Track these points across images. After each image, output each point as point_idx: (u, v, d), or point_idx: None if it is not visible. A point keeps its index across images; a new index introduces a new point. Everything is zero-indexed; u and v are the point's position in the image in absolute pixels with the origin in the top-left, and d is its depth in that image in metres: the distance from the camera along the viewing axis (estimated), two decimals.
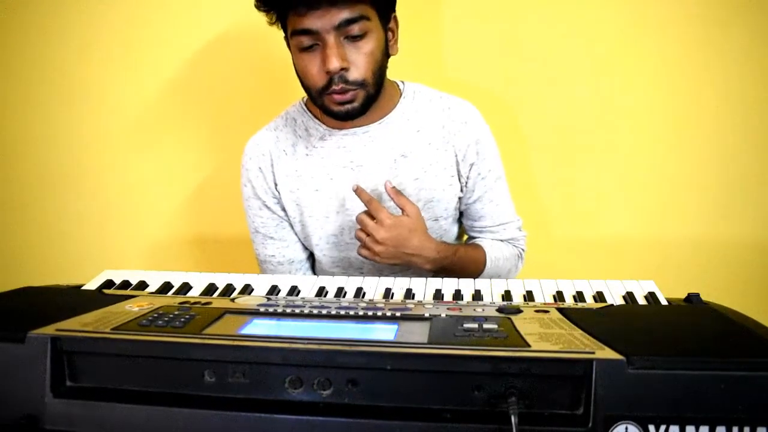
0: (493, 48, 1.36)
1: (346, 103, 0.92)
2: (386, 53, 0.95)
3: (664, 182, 1.38)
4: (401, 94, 1.04)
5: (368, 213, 0.93)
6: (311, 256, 1.13)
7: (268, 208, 1.06)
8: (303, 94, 1.03)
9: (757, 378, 0.47)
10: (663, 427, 0.47)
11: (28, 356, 0.54)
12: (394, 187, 0.95)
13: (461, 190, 1.06)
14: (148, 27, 1.43)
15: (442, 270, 0.99)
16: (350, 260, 1.07)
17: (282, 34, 0.95)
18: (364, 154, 1.02)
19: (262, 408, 0.51)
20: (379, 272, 1.06)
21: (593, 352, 0.49)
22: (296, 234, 1.09)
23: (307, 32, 0.87)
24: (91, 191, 1.53)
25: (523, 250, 1.12)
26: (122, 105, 1.48)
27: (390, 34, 0.96)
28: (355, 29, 0.87)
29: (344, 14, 0.85)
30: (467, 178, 1.05)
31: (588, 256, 1.43)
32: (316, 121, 1.03)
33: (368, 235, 0.91)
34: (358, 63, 0.89)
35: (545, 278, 0.81)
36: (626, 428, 0.47)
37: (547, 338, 0.53)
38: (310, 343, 0.52)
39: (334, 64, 0.87)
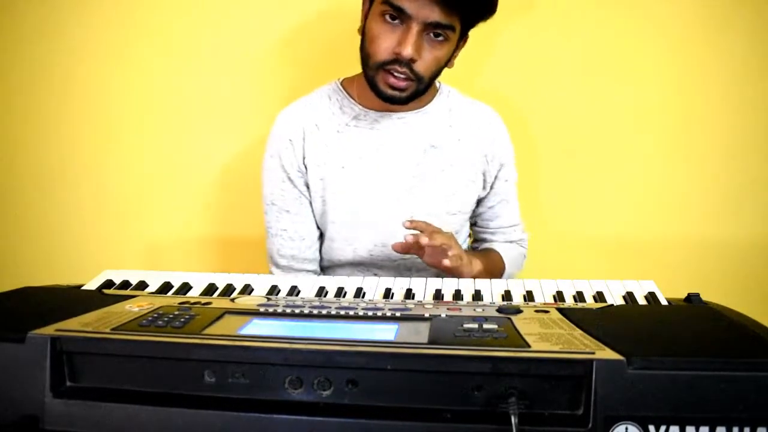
0: (499, 50, 1.36)
1: (397, 89, 0.93)
2: (446, 63, 0.98)
3: (665, 182, 1.38)
4: (438, 91, 1.08)
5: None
6: (320, 237, 1.13)
7: (291, 180, 1.06)
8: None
9: (757, 378, 0.47)
10: (663, 428, 0.47)
11: (27, 356, 0.53)
12: (413, 220, 0.91)
13: (483, 189, 1.10)
14: (150, 22, 1.42)
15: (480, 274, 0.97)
16: (361, 240, 1.07)
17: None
18: (395, 138, 1.03)
19: (262, 408, 0.51)
20: (388, 258, 1.07)
21: (593, 353, 0.49)
22: (312, 211, 1.09)
23: (399, 9, 0.88)
24: (91, 191, 1.53)
25: (526, 249, 1.18)
26: (123, 104, 1.47)
27: (456, 49, 0.98)
28: (440, 32, 0.90)
29: (439, 16, 0.88)
30: (494, 178, 1.09)
31: (588, 256, 1.43)
32: (352, 100, 1.04)
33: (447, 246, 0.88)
34: (427, 60, 0.92)
35: (545, 278, 0.81)
36: (626, 428, 0.47)
37: (547, 338, 0.53)
38: (310, 343, 0.52)
39: (408, 51, 0.89)
